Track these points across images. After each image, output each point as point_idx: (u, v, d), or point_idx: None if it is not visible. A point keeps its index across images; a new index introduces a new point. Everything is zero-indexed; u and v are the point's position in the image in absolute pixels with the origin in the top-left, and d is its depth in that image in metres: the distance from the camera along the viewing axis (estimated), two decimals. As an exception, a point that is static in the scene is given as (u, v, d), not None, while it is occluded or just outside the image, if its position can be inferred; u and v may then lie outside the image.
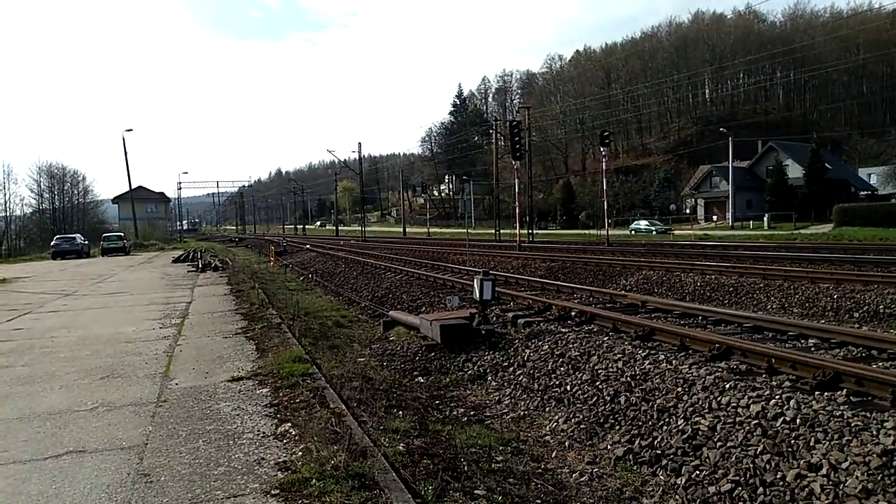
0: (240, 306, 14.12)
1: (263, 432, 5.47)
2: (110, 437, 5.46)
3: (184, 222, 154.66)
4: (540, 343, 8.93)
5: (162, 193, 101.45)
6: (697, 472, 5.03)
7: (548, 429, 6.66)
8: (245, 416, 5.96)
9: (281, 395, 6.59)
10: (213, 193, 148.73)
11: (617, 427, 6.21)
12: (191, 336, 10.51)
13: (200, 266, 28.18)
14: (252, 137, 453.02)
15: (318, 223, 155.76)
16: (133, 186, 71.75)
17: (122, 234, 56.09)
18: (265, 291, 16.95)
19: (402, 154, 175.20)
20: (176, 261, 34.83)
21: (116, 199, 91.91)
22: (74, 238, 48.94)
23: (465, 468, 5.19)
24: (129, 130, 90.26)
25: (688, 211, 75.39)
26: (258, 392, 6.81)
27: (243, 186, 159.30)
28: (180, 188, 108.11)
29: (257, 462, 4.78)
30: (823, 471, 4.42)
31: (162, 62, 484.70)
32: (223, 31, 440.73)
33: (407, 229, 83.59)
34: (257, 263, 33.21)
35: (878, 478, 4.17)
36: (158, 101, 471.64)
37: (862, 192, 67.44)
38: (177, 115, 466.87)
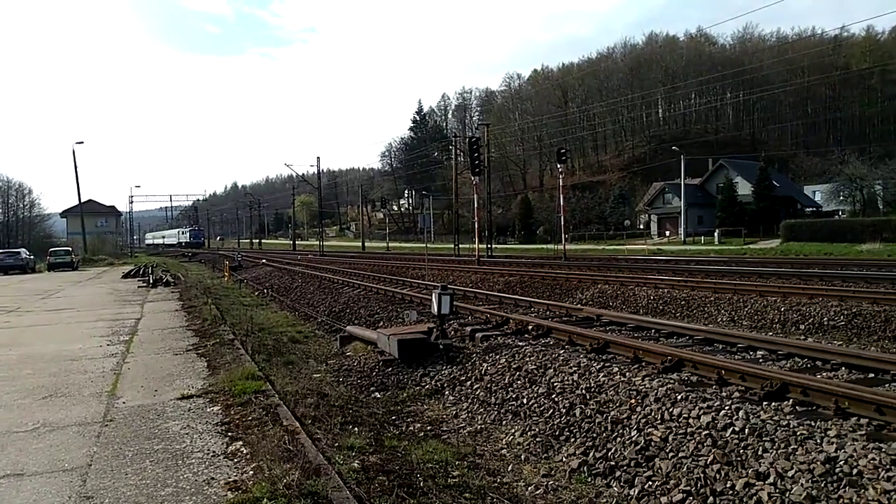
0: (191, 322, 13.81)
1: (213, 451, 5.33)
2: (52, 459, 5.25)
3: (184, 231, 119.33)
4: (497, 357, 8.95)
5: (113, 207, 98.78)
6: (650, 483, 5.09)
7: (504, 442, 6.66)
8: (195, 434, 5.81)
9: (232, 412, 6.45)
10: (166, 207, 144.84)
11: (572, 439, 6.25)
12: (139, 353, 10.23)
13: (151, 281, 27.51)
14: (208, 151, 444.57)
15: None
16: (83, 200, 69.72)
17: (70, 248, 54.35)
18: (218, 307, 16.62)
19: (361, 169, 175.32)
20: (126, 276, 33.93)
21: (65, 213, 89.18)
22: (19, 253, 47.25)
23: (421, 484, 5.15)
24: (79, 143, 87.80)
25: (642, 226, 76.96)
26: (209, 410, 6.65)
27: (198, 200, 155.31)
28: (132, 202, 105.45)
29: (206, 482, 4.65)
30: (771, 479, 4.52)
31: (114, 74, 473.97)
32: (178, 44, 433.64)
33: (366, 244, 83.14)
34: (211, 279, 32.53)
35: (822, 485, 4.28)
36: (110, 114, 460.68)
37: (807, 209, 69.95)
38: (130, 128, 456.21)
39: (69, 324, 14.54)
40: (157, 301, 19.57)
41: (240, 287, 27.50)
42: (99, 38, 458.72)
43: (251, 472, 4.76)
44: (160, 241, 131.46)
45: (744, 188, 65.37)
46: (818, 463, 4.46)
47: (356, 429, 6.58)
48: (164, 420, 6.31)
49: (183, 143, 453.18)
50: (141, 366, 9.17)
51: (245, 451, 5.26)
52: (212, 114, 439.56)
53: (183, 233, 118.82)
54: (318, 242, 68.11)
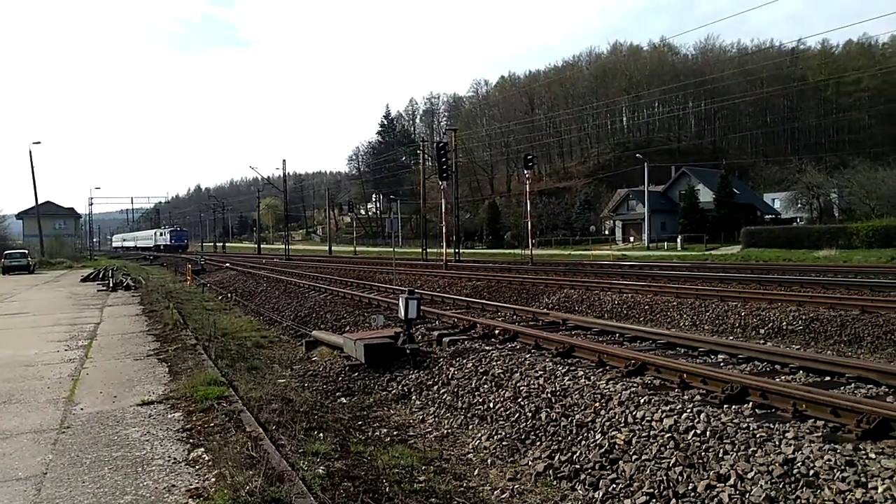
0: (152, 327, 13.54)
1: (174, 458, 5.23)
2: (4, 468, 5.10)
3: (163, 231, 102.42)
4: (464, 361, 8.95)
5: (72, 209, 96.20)
6: (614, 486, 5.14)
7: (471, 446, 6.66)
8: (155, 441, 5.70)
9: (194, 419, 6.34)
10: (126, 210, 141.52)
11: (538, 443, 6.28)
12: (98, 358, 9.98)
13: (111, 285, 26.89)
14: (170, 152, 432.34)
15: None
16: (40, 201, 67.81)
17: (27, 250, 52.75)
18: (180, 311, 16.33)
19: (328, 172, 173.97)
20: (85, 279, 33.12)
21: (21, 215, 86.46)
22: (-29, 255, 45.66)
23: (387, 489, 5.12)
24: (36, 143, 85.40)
25: (606, 232, 77.96)
26: (170, 416, 6.52)
27: (160, 202, 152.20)
28: (92, 203, 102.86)
29: (167, 489, 4.56)
30: (731, 481, 4.60)
31: (72, 72, 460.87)
32: (140, 43, 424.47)
33: (333, 248, 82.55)
34: (173, 282, 31.95)
35: (780, 486, 4.38)
36: (69, 114, 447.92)
37: (767, 216, 71.71)
38: (89, 129, 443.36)
39: (25, 328, 14.12)
40: (117, 305, 19.14)
41: (203, 291, 27.03)
42: (54, 32, 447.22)
43: (213, 480, 4.68)
44: (131, 243, 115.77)
45: (705, 195, 66.71)
46: (777, 464, 4.56)
47: (321, 434, 6.51)
48: (123, 427, 6.17)
49: (145, 144, 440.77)
50: (100, 371, 8.95)
51: (207, 458, 5.17)
52: (175, 115, 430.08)
53: (161, 234, 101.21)
54: (283, 246, 67.36)
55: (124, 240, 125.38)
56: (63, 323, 14.82)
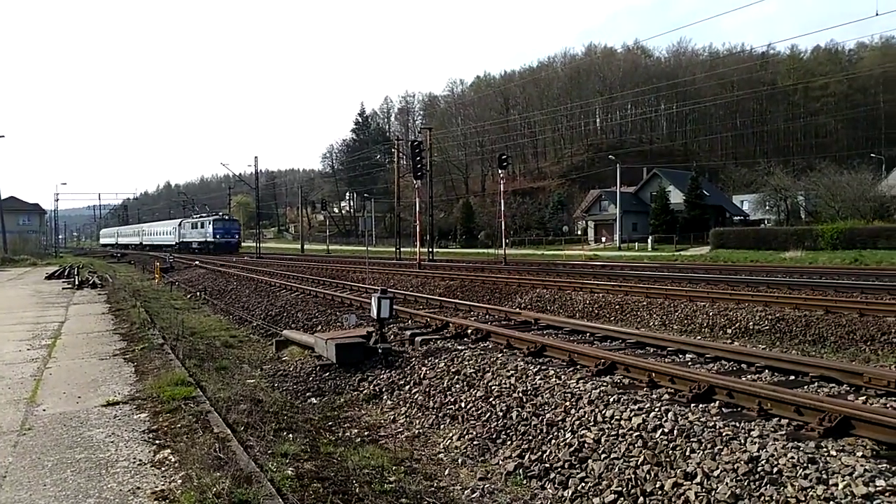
0: (119, 326, 13.29)
1: (140, 460, 5.14)
2: (-39, 471, 4.94)
3: (199, 222, 68.83)
4: (436, 361, 8.95)
5: (36, 205, 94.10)
6: (583, 484, 5.18)
7: (442, 446, 6.66)
8: (120, 442, 5.59)
9: (161, 420, 6.23)
10: (94, 206, 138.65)
11: (508, 442, 6.30)
12: (62, 358, 9.77)
13: (77, 283, 26.34)
14: (139, 148, 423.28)
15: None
16: (3, 196, 66.21)
17: (-11, 247, 51.41)
18: (147, 310, 16.07)
19: (301, 170, 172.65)
20: (50, 277, 32.37)
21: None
22: (-69, 252, 44.10)
23: (357, 490, 5.08)
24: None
25: (579, 232, 78.66)
26: (135, 417, 6.40)
27: (128, 199, 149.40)
28: (57, 199, 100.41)
29: (132, 492, 4.48)
30: (698, 479, 4.66)
31: (37, 66, 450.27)
32: (106, 37, 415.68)
33: (305, 246, 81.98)
34: (140, 281, 31.44)
35: (745, 483, 4.45)
36: (34, 107, 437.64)
37: (735, 217, 73.04)
38: (55, 123, 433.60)
39: (-15, 327, 13.75)
40: (82, 303, 18.75)
41: (171, 290, 26.63)
42: (17, 25, 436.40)
43: (179, 481, 4.61)
44: (133, 239, 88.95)
45: (676, 197, 67.72)
46: (742, 462, 4.63)
47: (291, 435, 6.45)
48: (87, 428, 6.05)
49: (113, 140, 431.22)
50: (64, 371, 8.76)
51: (173, 460, 5.09)
52: (144, 110, 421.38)
53: (197, 226, 68.57)
54: (254, 244, 66.46)
55: (121, 235, 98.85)
56: (26, 321, 14.48)
